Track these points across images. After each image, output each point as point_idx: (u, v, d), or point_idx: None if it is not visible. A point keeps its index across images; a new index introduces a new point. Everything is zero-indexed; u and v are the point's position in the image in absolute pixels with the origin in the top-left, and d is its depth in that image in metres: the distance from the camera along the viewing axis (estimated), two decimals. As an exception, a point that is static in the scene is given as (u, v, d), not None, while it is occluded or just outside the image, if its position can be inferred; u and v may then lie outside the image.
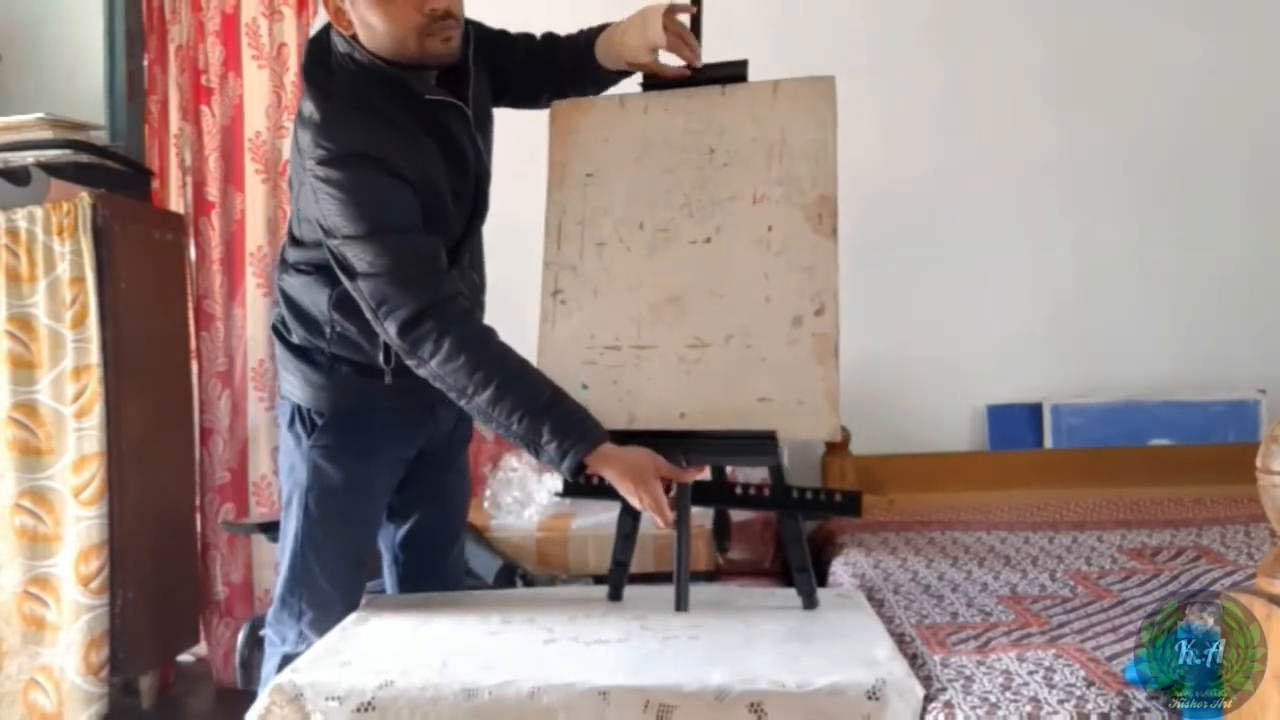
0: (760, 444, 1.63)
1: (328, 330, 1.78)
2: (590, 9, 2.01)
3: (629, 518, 1.75)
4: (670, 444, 1.63)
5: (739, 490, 1.75)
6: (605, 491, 1.69)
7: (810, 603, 1.72)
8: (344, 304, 1.73)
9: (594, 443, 1.59)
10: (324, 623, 1.78)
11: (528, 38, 1.94)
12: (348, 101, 1.67)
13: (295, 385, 1.82)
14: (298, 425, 1.82)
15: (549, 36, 1.94)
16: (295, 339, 1.83)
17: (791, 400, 1.60)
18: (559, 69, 1.91)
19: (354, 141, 1.63)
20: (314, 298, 1.78)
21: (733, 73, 1.80)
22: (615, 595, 1.79)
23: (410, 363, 1.64)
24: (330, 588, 1.81)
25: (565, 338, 1.74)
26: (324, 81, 1.69)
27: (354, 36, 1.69)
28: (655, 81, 1.84)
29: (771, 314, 1.64)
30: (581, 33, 1.89)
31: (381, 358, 1.74)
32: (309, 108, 1.68)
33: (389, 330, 1.62)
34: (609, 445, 1.60)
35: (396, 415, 1.82)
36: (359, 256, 1.62)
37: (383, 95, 1.68)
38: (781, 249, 1.66)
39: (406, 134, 1.68)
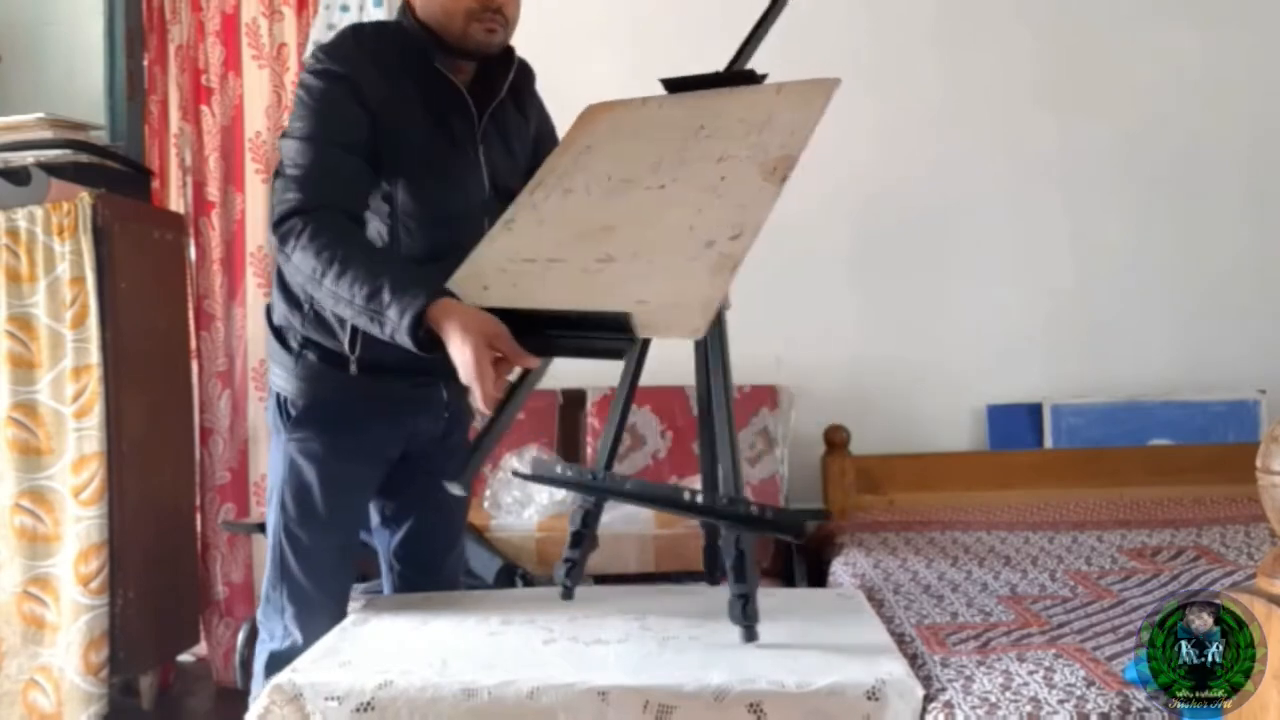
0: (611, 330, 1.46)
1: (305, 307, 1.78)
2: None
3: (581, 513, 1.69)
4: (516, 321, 1.51)
5: (686, 496, 1.62)
6: (564, 482, 1.68)
7: (750, 635, 1.49)
8: None
9: (436, 294, 1.51)
10: (305, 618, 1.77)
11: None
12: (360, 42, 1.75)
13: (277, 373, 1.83)
14: (279, 416, 1.82)
15: None
16: (276, 318, 1.83)
17: (668, 303, 1.50)
18: None
19: (342, 64, 1.70)
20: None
21: (749, 79, 1.83)
22: (566, 594, 1.72)
23: (279, 260, 1.65)
24: (309, 584, 1.80)
25: (492, 253, 1.70)
26: (359, 28, 1.80)
27: (409, 4, 1.77)
28: (677, 83, 1.86)
29: (689, 239, 1.58)
30: None
31: (348, 342, 1.74)
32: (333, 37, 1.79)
33: (271, 225, 1.64)
34: (453, 300, 1.52)
35: (370, 410, 1.80)
36: (290, 155, 1.67)
37: (401, 58, 1.74)
38: (725, 193, 1.63)
39: (400, 94, 1.72)
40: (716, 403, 1.61)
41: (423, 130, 1.74)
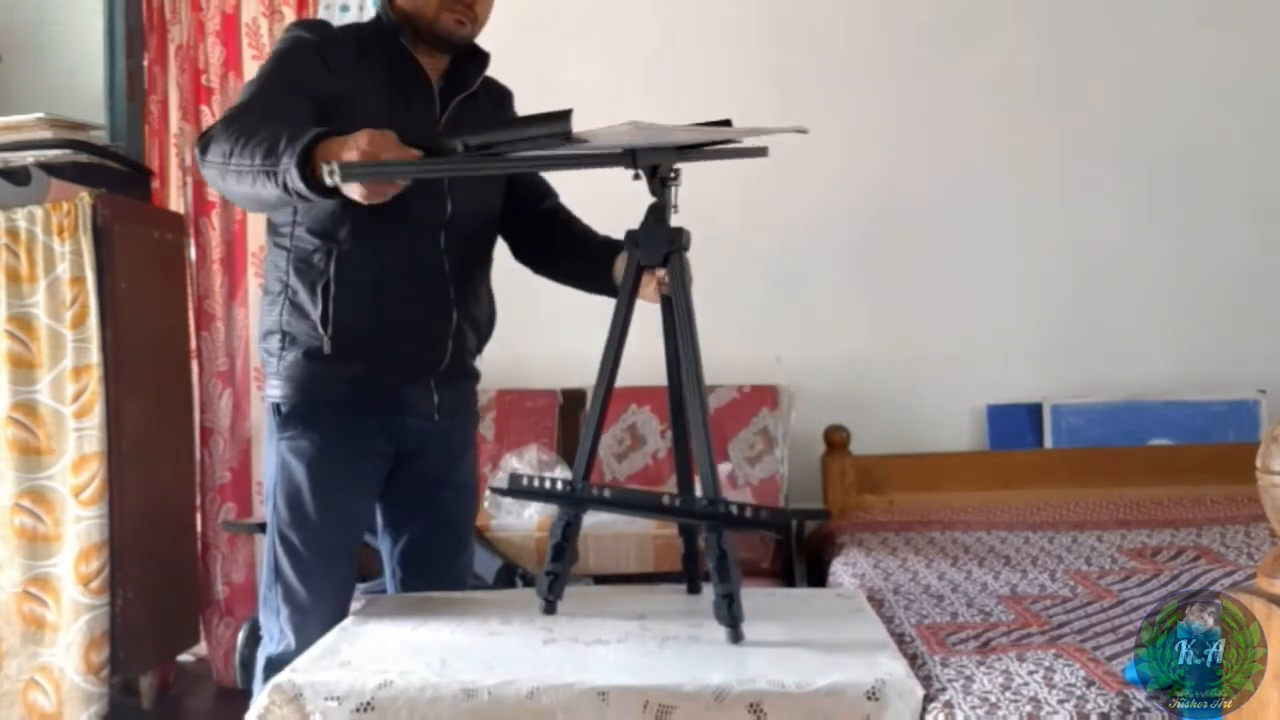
0: (555, 117, 1.46)
1: (282, 298, 1.80)
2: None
3: (562, 524, 1.66)
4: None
5: (666, 500, 1.61)
6: (542, 495, 1.66)
7: (736, 635, 1.49)
8: (301, 266, 1.78)
9: (331, 134, 1.50)
10: (299, 620, 1.79)
11: (557, 202, 2.03)
12: (335, 25, 1.88)
13: (269, 382, 1.84)
14: (272, 419, 1.84)
15: (573, 217, 2.02)
16: (262, 324, 1.86)
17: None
18: (552, 244, 2.00)
19: (311, 31, 1.80)
20: (275, 261, 1.82)
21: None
22: (549, 609, 1.67)
23: (202, 168, 1.63)
24: (301, 587, 1.80)
25: None
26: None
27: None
28: None
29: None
30: (608, 240, 1.91)
31: (319, 316, 1.76)
32: None
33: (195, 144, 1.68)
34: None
35: (354, 407, 1.81)
36: (242, 92, 1.75)
37: (374, 42, 1.82)
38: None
39: (365, 67, 1.79)
40: (690, 403, 1.57)
41: (381, 103, 1.77)
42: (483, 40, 1.91)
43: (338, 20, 3.24)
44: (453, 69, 1.87)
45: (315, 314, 1.76)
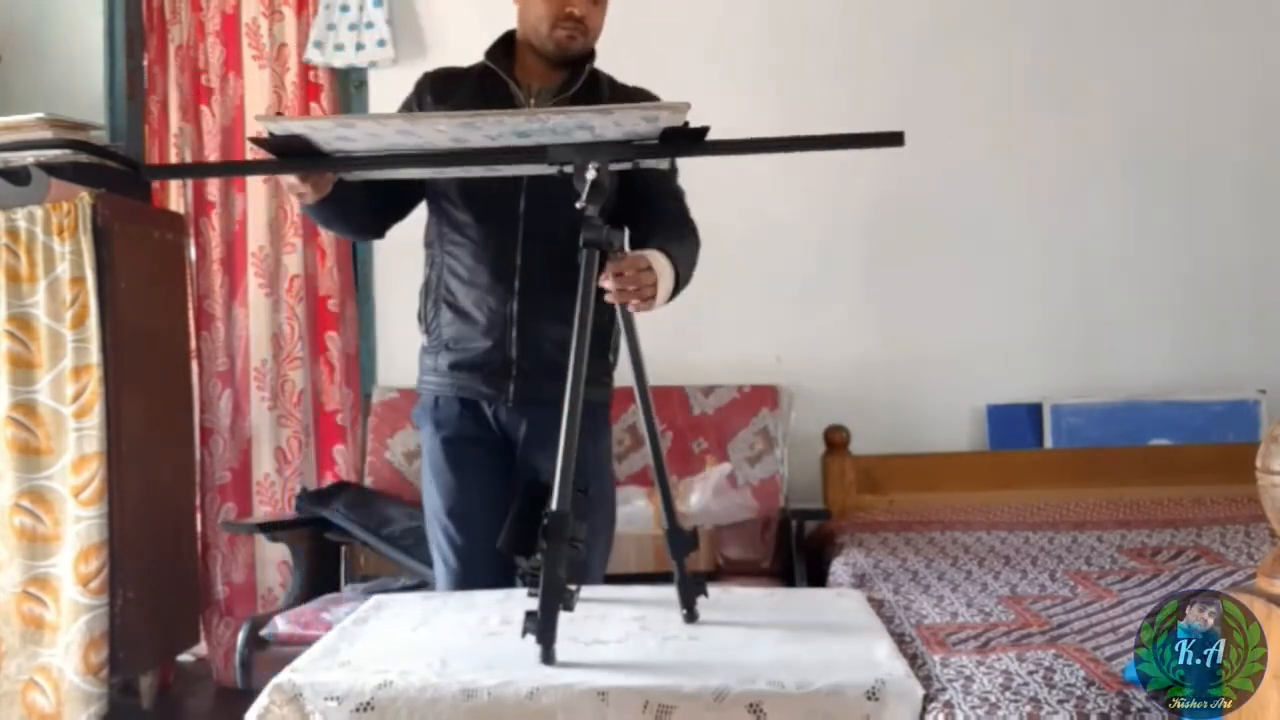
0: None
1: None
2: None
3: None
4: None
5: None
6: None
7: (545, 656, 1.38)
8: (426, 273, 2.08)
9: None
10: (436, 572, 2.09)
11: (669, 204, 2.07)
12: (439, 71, 2.11)
13: None
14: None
15: (671, 223, 2.05)
16: None
17: None
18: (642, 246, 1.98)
19: (415, 89, 2.08)
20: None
21: None
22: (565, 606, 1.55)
23: None
24: (432, 544, 2.08)
25: None
26: None
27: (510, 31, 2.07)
28: None
29: None
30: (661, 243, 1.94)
31: (420, 314, 2.08)
32: None
33: None
34: None
35: (444, 393, 2.05)
36: None
37: (466, 74, 2.07)
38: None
39: (458, 93, 2.02)
40: (569, 411, 1.47)
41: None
42: None
43: (338, 20, 3.24)
44: (571, 78, 2.02)
45: (421, 312, 2.08)
